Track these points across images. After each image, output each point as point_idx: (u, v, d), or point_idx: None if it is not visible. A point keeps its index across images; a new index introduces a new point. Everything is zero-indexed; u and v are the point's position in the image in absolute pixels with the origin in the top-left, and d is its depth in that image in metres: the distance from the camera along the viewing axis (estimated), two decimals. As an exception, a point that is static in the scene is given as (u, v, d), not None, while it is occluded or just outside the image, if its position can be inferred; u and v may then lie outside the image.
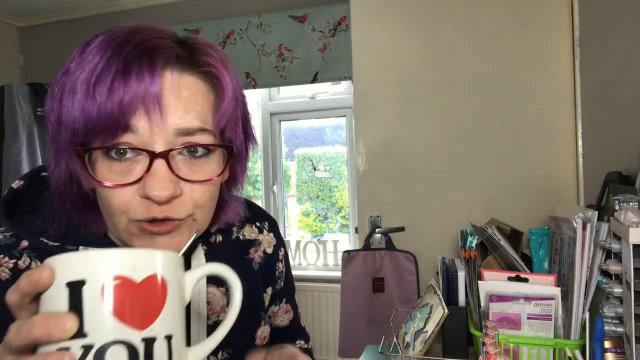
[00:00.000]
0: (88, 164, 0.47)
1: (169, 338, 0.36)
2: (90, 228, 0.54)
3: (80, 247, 0.53)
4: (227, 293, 0.62)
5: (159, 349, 0.35)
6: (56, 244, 0.53)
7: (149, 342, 0.34)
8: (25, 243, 0.53)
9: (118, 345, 0.33)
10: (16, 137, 2.67)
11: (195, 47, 0.50)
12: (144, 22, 0.50)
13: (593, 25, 1.46)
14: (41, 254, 0.52)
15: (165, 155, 0.46)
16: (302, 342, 0.77)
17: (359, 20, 1.80)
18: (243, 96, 0.56)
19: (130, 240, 0.50)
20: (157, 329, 0.35)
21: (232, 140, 0.54)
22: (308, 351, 0.76)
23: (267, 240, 0.70)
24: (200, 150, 0.49)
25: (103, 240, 0.55)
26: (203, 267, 0.42)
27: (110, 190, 0.47)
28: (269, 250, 0.70)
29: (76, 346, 0.32)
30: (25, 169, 2.62)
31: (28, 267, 0.52)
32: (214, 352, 0.60)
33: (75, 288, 0.33)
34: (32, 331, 0.32)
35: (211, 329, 0.59)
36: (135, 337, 0.34)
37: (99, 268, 0.34)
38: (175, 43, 0.49)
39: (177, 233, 0.50)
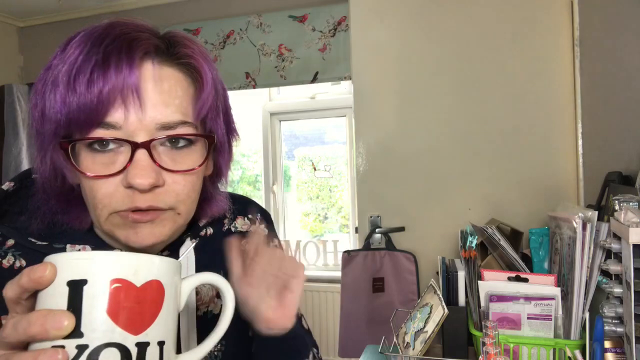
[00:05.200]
0: (72, 156, 0.48)
1: (161, 344, 0.36)
2: (74, 224, 0.54)
3: (67, 245, 0.53)
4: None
5: (151, 354, 0.35)
6: (44, 243, 0.53)
7: (142, 347, 0.35)
8: (10, 242, 0.53)
9: (112, 348, 0.33)
10: (16, 137, 2.67)
11: (173, 40, 0.51)
12: (122, 17, 0.51)
13: (593, 25, 1.46)
14: (27, 253, 0.52)
15: (147, 145, 0.47)
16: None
17: (359, 20, 1.80)
18: (224, 89, 0.57)
19: (112, 231, 0.50)
20: (152, 334, 0.35)
21: (213, 131, 0.54)
22: None
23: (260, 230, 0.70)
24: (182, 142, 0.50)
25: (88, 236, 0.55)
26: (199, 276, 0.43)
27: (94, 182, 0.47)
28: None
29: (71, 345, 0.32)
30: (26, 168, 2.62)
31: (12, 266, 0.52)
32: None
33: (76, 287, 0.33)
34: (29, 327, 0.32)
35: (200, 320, 0.59)
36: (130, 340, 0.34)
37: (102, 269, 0.34)
38: (153, 36, 0.50)
39: (159, 223, 0.50)
